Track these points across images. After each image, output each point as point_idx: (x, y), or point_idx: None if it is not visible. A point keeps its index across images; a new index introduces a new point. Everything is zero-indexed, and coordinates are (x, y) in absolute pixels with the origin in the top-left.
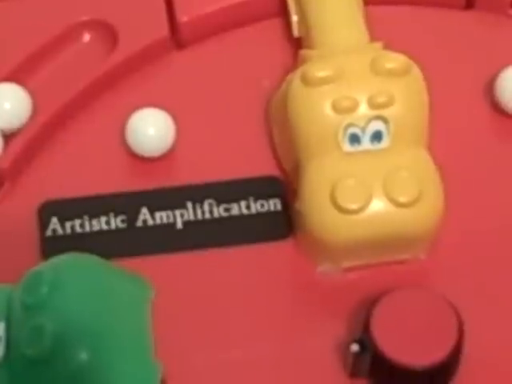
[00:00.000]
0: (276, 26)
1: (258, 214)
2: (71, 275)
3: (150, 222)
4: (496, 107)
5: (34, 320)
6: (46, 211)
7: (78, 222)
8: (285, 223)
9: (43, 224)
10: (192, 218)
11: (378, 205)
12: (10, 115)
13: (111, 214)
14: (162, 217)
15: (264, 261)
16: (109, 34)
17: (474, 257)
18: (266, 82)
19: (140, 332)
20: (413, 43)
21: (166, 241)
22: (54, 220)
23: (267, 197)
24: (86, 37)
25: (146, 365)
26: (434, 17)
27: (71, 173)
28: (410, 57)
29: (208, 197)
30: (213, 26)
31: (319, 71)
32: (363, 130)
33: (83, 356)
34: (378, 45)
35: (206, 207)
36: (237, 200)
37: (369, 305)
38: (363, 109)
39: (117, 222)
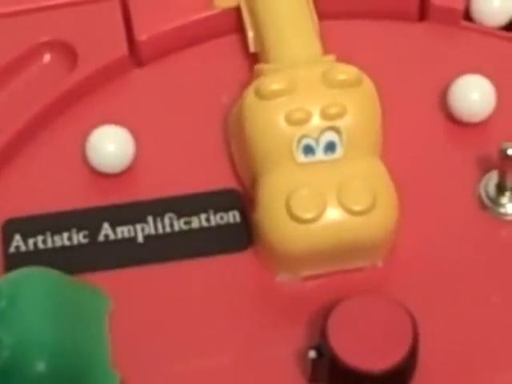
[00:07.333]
0: (233, 43)
1: (218, 227)
2: (28, 289)
3: (112, 237)
4: (449, 116)
5: None
6: (9, 228)
7: (40, 239)
8: (244, 235)
9: (6, 241)
10: (153, 232)
11: (332, 213)
12: None
13: (73, 230)
14: (123, 231)
15: (224, 272)
16: (68, 53)
17: (429, 264)
18: (225, 97)
19: (98, 343)
20: (368, 55)
21: (127, 255)
22: (17, 237)
23: (226, 209)
24: (46, 57)
25: (105, 375)
26: (387, 29)
27: (33, 190)
28: (365, 69)
29: (168, 211)
30: (171, 44)
31: (272, 84)
32: (317, 141)
33: (41, 367)
34: (331, 57)
35: (167, 221)
36: (197, 213)
37: (326, 312)
38: (316, 120)
39: (79, 238)
